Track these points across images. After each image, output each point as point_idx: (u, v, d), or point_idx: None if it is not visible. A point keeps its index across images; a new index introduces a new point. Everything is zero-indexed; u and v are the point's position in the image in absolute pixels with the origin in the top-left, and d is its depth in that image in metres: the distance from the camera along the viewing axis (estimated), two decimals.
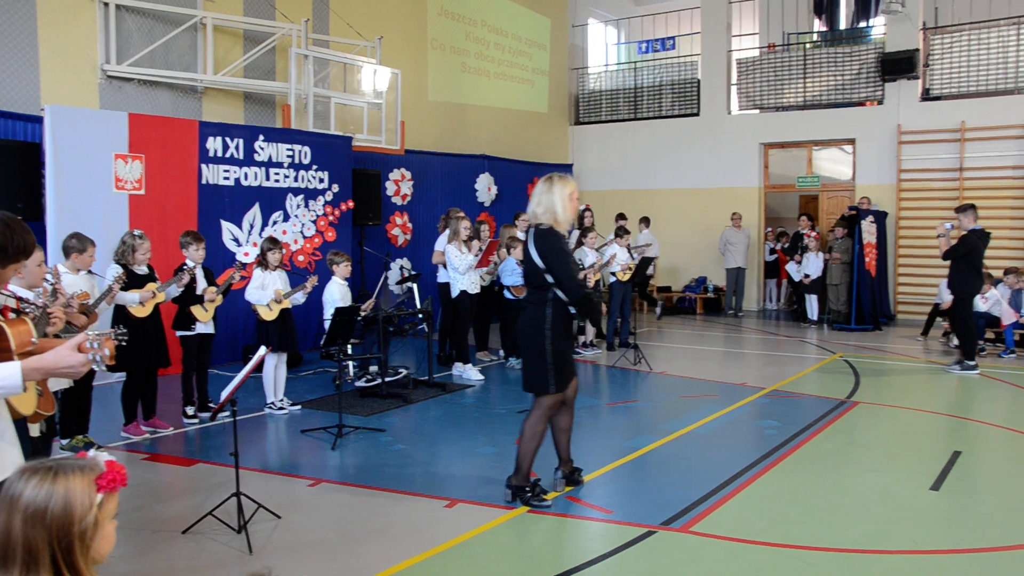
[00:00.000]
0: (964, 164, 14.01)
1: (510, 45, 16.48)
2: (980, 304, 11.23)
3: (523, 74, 16.90)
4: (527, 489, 5.31)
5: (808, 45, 16.36)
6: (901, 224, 14.60)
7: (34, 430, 4.27)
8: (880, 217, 13.89)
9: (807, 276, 14.38)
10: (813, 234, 14.62)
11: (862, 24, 16.13)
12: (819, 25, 16.94)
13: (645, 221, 14.96)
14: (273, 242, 7.94)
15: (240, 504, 4.81)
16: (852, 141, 15.27)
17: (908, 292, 14.52)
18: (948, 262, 9.79)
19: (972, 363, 9.78)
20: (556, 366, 5.23)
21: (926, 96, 14.59)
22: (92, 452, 1.87)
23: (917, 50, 14.30)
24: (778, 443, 6.75)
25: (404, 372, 9.17)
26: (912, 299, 14.40)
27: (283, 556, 4.54)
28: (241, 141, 10.13)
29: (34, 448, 2.66)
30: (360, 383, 8.97)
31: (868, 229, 13.63)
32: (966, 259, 9.56)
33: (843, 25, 16.60)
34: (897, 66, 14.38)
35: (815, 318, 14.35)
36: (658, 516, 5.08)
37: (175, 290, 7.07)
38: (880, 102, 14.93)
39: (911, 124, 14.51)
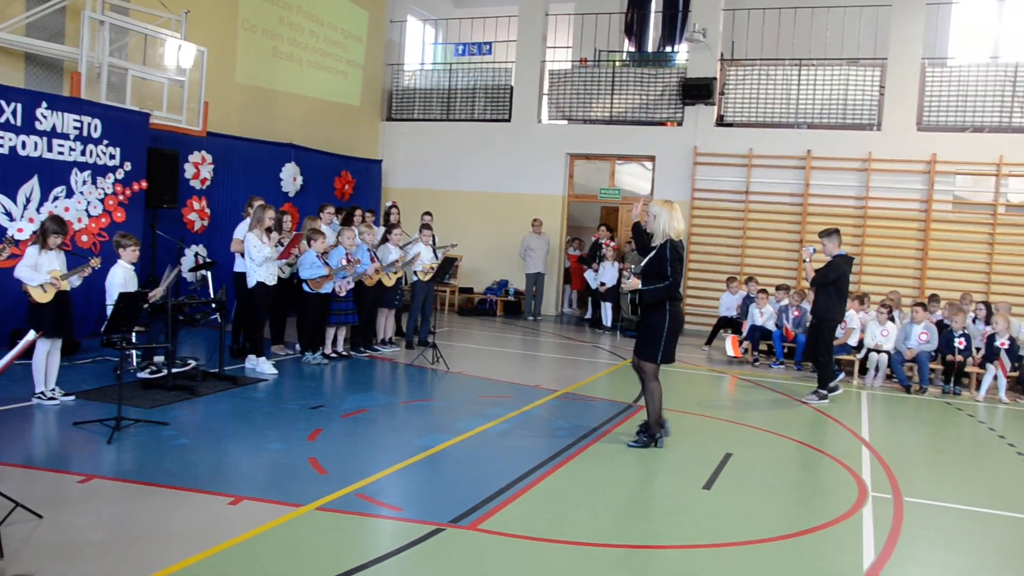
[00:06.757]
0: (750, 188, 15.09)
1: (325, 34, 16.10)
2: (757, 318, 12.12)
3: (337, 65, 16.57)
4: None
5: (617, 63, 17.07)
6: (692, 240, 15.49)
7: None
8: None
9: (603, 284, 14.96)
10: (611, 244, 15.25)
11: (667, 49, 16.99)
12: (628, 46, 17.69)
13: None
14: (59, 223, 7.34)
15: None
16: (652, 158, 16.06)
17: (695, 304, 15.41)
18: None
19: (826, 392, 9.50)
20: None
21: (720, 122, 15.60)
22: None
23: (714, 79, 15.25)
24: (567, 444, 6.98)
25: (192, 363, 8.77)
26: (699, 311, 15.30)
27: (42, 559, 4.18)
28: (20, 106, 9.27)
29: None
30: (143, 374, 8.49)
31: None
32: (835, 284, 9.46)
33: (650, 48, 17.42)
34: (696, 91, 15.28)
35: (609, 325, 14.95)
36: (447, 514, 5.11)
37: None
38: (679, 123, 15.81)
39: (706, 147, 15.45)
